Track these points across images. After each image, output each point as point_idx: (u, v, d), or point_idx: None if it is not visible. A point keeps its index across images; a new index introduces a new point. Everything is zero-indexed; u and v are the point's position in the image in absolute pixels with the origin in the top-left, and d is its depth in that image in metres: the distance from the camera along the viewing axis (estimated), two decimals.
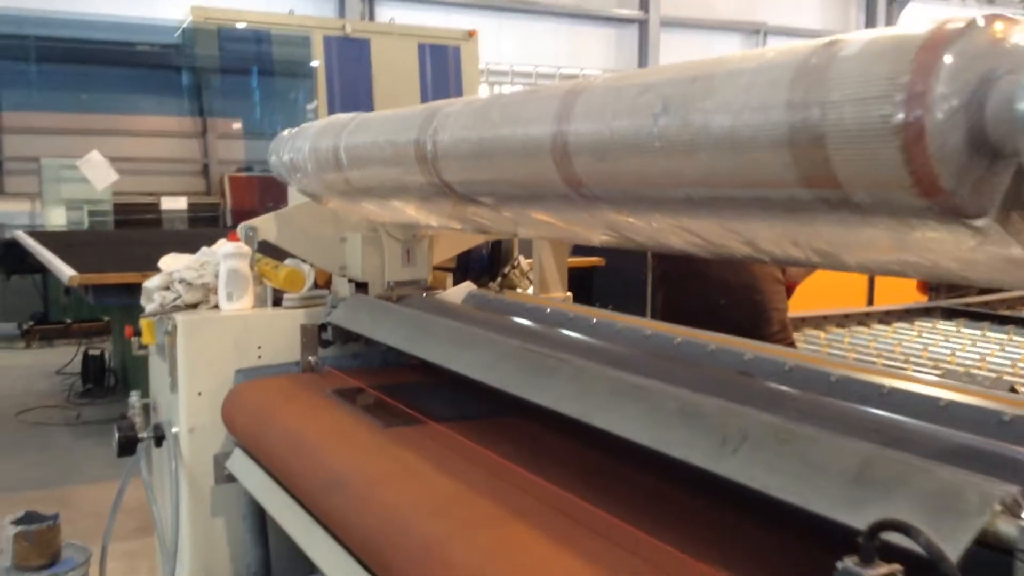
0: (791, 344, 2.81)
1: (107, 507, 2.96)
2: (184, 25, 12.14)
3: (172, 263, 2.94)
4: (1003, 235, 0.91)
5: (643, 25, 17.35)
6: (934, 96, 0.89)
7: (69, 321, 8.35)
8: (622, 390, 1.59)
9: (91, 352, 7.61)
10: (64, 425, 6.60)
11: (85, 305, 7.49)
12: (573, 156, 1.41)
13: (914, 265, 1.14)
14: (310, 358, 2.70)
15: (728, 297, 2.73)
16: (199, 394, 2.72)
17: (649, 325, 2.17)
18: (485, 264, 3.25)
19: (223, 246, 2.84)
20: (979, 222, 0.90)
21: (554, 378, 1.73)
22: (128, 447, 2.82)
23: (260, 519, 2.61)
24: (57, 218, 13.12)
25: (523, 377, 1.81)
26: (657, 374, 1.70)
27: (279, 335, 2.80)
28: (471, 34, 13.15)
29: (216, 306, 2.83)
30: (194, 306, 2.85)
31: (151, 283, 2.89)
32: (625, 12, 17.28)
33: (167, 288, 2.87)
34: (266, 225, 2.92)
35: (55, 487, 4.88)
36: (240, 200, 12.65)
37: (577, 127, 1.39)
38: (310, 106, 11.48)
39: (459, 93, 13.78)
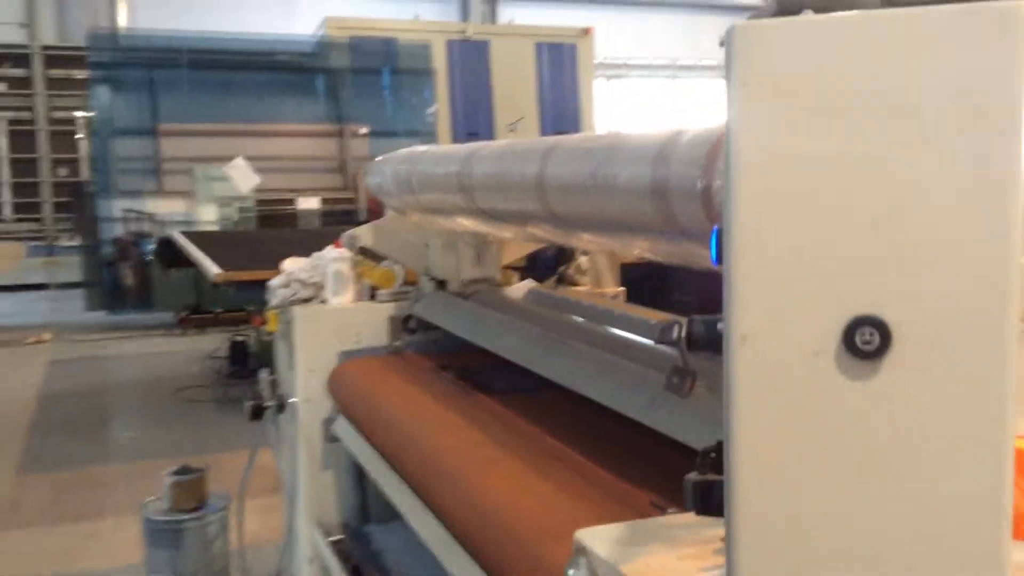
0: None
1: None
2: (319, 36, 13.09)
3: (291, 265, 3.60)
4: None
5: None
6: (717, 171, 1.39)
7: (219, 311, 9.30)
8: (603, 367, 2.12)
9: (237, 339, 8.52)
10: (213, 402, 7.52)
11: (231, 297, 8.39)
12: (548, 193, 1.94)
13: None
14: (396, 343, 3.31)
15: None
16: (311, 371, 3.37)
17: (655, 316, 2.66)
18: (551, 263, 3.77)
19: (330, 251, 3.48)
20: None
21: (558, 358, 2.27)
22: (257, 413, 3.51)
23: (359, 473, 3.24)
24: (209, 215, 14.37)
25: (538, 357, 2.35)
26: (643, 356, 2.21)
27: (374, 323, 3.42)
28: (587, 31, 13.65)
29: (324, 300, 3.47)
30: (308, 300, 3.50)
31: (274, 282, 3.56)
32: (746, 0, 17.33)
33: (287, 286, 3.53)
34: (365, 233, 3.55)
35: (205, 453, 5.72)
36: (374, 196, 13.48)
37: (550, 171, 1.93)
38: (430, 110, 12.22)
39: (574, 89, 14.31)
